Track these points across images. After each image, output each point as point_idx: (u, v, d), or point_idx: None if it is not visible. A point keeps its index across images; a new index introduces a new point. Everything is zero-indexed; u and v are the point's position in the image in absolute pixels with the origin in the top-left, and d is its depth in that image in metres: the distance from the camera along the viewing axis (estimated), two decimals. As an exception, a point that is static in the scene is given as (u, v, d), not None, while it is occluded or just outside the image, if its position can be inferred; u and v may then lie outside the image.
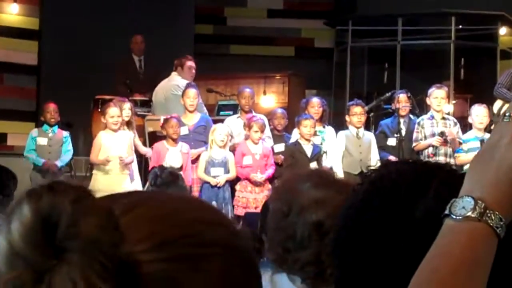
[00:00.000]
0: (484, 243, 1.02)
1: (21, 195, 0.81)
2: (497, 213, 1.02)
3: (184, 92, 9.51)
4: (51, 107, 9.82)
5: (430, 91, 9.26)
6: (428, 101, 9.33)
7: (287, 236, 2.11)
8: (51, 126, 9.77)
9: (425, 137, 9.15)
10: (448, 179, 1.25)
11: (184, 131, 9.25)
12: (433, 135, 9.09)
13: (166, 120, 9.11)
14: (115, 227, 0.81)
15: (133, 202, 0.90)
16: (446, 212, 1.04)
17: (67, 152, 9.84)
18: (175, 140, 9.04)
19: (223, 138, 9.05)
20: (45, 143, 9.69)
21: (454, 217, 1.03)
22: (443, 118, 9.20)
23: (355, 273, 1.27)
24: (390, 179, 1.30)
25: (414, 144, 9.23)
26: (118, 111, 8.99)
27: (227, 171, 9.03)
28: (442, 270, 1.00)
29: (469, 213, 1.02)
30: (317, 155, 9.22)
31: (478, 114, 9.03)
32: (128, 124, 9.29)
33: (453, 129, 9.16)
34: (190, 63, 10.42)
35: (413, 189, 1.25)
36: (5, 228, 0.79)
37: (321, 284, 2.03)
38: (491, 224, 1.02)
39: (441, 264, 1.00)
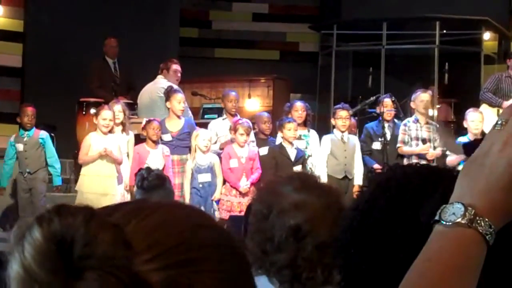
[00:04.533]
0: (473, 249, 1.02)
1: (30, 221, 0.82)
2: (487, 220, 1.02)
3: (171, 95, 9.38)
4: (29, 110, 9.62)
5: (415, 95, 9.31)
6: (413, 105, 9.37)
7: (265, 238, 2.11)
8: (26, 130, 9.66)
9: (411, 139, 9.19)
10: (454, 184, 1.26)
11: (167, 138, 9.22)
12: (417, 138, 9.14)
13: (148, 122, 9.08)
14: (126, 242, 0.83)
15: (128, 214, 0.91)
16: (436, 218, 1.05)
17: (52, 160, 9.74)
18: (155, 142, 9.02)
19: (207, 143, 9.02)
20: (21, 148, 9.61)
21: (444, 223, 1.03)
22: (427, 123, 9.25)
23: (359, 274, 1.27)
24: (396, 182, 1.30)
25: (398, 145, 9.25)
26: (111, 114, 8.87)
27: (214, 175, 9.03)
28: (430, 276, 1.00)
29: (459, 219, 1.02)
30: (301, 158, 9.24)
31: (474, 119, 9.08)
32: (122, 125, 9.25)
33: (434, 135, 9.21)
34: (176, 67, 10.41)
35: (419, 192, 1.25)
36: (17, 255, 0.80)
37: (299, 288, 2.03)
38: (481, 231, 1.02)
39: (429, 269, 1.00)
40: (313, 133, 9.79)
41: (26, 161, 9.58)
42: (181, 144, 9.27)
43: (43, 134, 9.75)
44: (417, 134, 9.17)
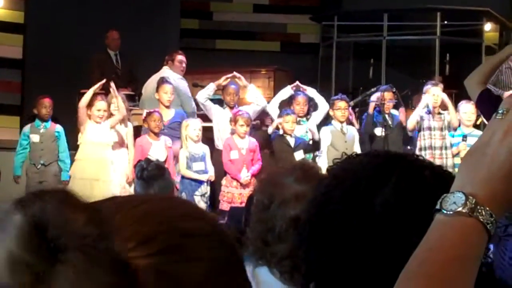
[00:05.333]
0: (474, 238, 1.02)
1: (9, 205, 0.84)
2: (487, 209, 1.02)
3: (159, 86, 9.54)
4: (47, 102, 9.63)
5: (426, 88, 9.30)
6: (424, 97, 9.37)
7: (267, 229, 2.11)
8: (44, 121, 9.66)
9: (422, 129, 9.22)
10: (408, 171, 1.26)
11: None
12: (430, 128, 9.16)
13: (148, 114, 9.13)
14: (101, 221, 0.84)
15: (117, 204, 0.94)
16: (437, 207, 1.05)
17: (64, 155, 9.72)
18: (156, 134, 9.06)
19: (198, 133, 9.11)
20: (37, 139, 9.59)
21: (444, 212, 1.03)
22: (439, 113, 9.27)
23: (319, 266, 1.27)
24: (351, 172, 1.30)
25: (408, 126, 9.30)
26: (105, 105, 9.04)
27: (207, 163, 9.16)
28: (431, 264, 1.00)
29: (460, 209, 1.02)
30: (301, 145, 9.28)
31: (466, 111, 9.09)
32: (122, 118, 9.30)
33: (446, 123, 9.25)
34: (181, 58, 10.53)
35: (373, 182, 1.26)
36: None
37: (299, 278, 2.04)
38: (482, 220, 1.02)
39: (430, 258, 1.00)
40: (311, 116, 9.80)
41: (41, 152, 9.57)
42: (173, 134, 9.34)
43: (59, 127, 9.77)
44: (429, 124, 9.19)
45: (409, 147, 9.65)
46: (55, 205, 0.83)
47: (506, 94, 9.12)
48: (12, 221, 0.82)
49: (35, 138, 9.59)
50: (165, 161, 8.73)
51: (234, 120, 9.18)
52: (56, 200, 0.83)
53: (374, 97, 9.61)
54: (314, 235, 1.29)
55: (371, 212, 1.23)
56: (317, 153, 9.49)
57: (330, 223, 1.26)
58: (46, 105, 9.60)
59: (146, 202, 0.95)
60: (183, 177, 9.10)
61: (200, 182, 9.07)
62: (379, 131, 9.55)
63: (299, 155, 9.15)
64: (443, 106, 9.47)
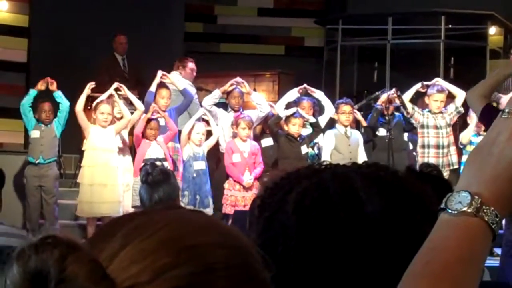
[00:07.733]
0: (479, 238, 1.02)
1: (12, 256, 0.82)
2: (493, 209, 1.01)
3: (157, 91, 9.55)
4: (47, 106, 9.67)
5: (430, 92, 9.30)
6: (426, 100, 9.39)
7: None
8: (45, 125, 9.68)
9: (423, 127, 9.24)
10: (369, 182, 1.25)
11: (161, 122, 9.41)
12: (436, 127, 9.21)
13: (148, 120, 9.16)
14: (103, 276, 0.81)
15: (130, 233, 0.89)
16: (442, 206, 1.04)
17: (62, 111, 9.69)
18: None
19: (201, 137, 9.16)
20: (37, 135, 9.62)
21: (450, 211, 1.03)
22: (441, 112, 9.33)
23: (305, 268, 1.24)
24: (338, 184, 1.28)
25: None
26: (109, 109, 9.07)
27: (207, 164, 9.27)
28: (435, 264, 0.99)
29: (465, 208, 1.01)
30: (306, 138, 9.31)
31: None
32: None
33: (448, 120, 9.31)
34: (192, 65, 10.69)
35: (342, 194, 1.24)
36: None
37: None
38: (487, 220, 1.01)
39: (435, 257, 1.00)
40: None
41: (41, 147, 9.57)
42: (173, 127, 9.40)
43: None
44: (434, 122, 9.24)
45: (410, 147, 9.72)
46: (53, 261, 0.79)
47: (504, 97, 9.13)
48: (12, 274, 0.80)
49: (35, 134, 9.61)
50: (165, 158, 8.81)
51: (235, 123, 9.19)
52: (56, 255, 0.80)
53: (382, 97, 9.62)
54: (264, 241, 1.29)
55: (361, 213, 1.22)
56: (316, 140, 9.54)
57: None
58: (45, 109, 9.62)
59: (161, 228, 0.89)
60: (184, 167, 9.11)
61: (201, 182, 9.11)
62: (382, 131, 9.57)
63: (303, 149, 9.23)
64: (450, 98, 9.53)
